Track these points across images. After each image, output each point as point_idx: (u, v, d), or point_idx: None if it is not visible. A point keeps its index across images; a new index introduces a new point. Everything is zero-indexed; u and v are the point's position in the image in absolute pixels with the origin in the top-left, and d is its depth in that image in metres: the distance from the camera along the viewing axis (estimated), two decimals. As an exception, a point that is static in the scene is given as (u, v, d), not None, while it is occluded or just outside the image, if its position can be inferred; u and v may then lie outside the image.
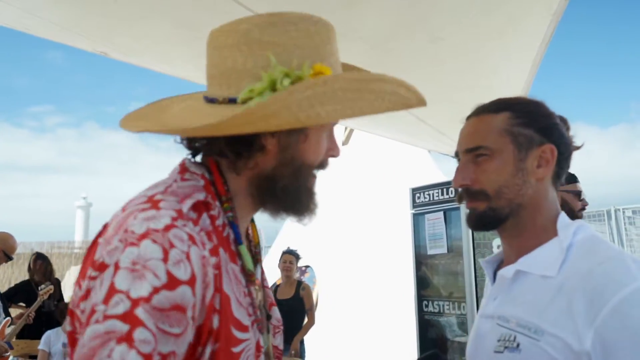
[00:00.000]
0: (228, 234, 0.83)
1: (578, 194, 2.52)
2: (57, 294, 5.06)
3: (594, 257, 0.92)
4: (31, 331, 4.56)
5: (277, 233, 9.57)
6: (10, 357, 3.96)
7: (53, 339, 4.08)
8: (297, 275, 5.19)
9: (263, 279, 0.98)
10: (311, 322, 4.93)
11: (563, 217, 1.02)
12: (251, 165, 0.84)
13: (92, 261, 0.72)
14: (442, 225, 3.56)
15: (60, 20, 1.95)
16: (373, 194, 7.61)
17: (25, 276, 5.72)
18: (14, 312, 5.00)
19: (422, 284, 3.75)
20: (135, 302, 0.64)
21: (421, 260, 3.75)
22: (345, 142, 8.96)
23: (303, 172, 0.86)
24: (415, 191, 3.84)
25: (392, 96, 0.82)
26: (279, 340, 1.00)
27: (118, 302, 0.65)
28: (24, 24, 1.93)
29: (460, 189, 1.05)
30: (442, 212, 3.57)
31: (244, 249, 0.85)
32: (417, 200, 3.82)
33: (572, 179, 2.58)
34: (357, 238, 7.43)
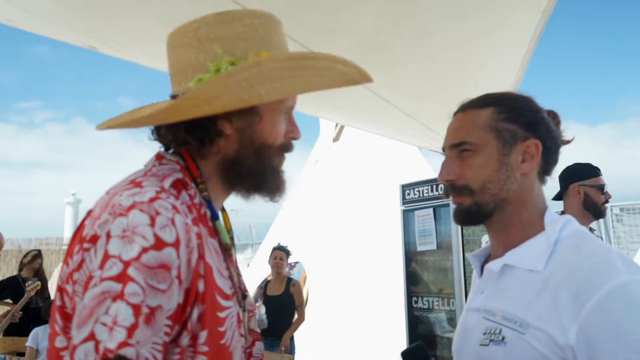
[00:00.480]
0: (205, 212, 0.90)
1: (601, 187, 2.52)
2: (45, 290, 5.03)
3: (580, 253, 0.92)
4: (18, 328, 4.52)
5: (268, 229, 9.58)
6: (-3, 355, 3.93)
7: (41, 336, 4.05)
8: (287, 270, 5.18)
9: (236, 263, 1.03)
10: (301, 319, 4.92)
11: (550, 212, 1.02)
12: (215, 150, 0.91)
13: (80, 239, 0.78)
14: (431, 222, 3.58)
15: (46, 13, 1.92)
16: (363, 190, 7.62)
17: (12, 273, 5.67)
18: (1, 309, 4.96)
19: (412, 280, 3.76)
20: (127, 264, 0.71)
21: (411, 256, 3.76)
22: (336, 139, 8.97)
23: (265, 152, 0.93)
24: (405, 188, 3.85)
25: (329, 72, 0.89)
26: (253, 324, 1.04)
27: (112, 266, 0.72)
28: (8, 16, 1.90)
29: (446, 184, 1.05)
30: (431, 209, 3.58)
31: (220, 224, 0.91)
32: (407, 197, 3.83)
33: (595, 172, 2.56)
34: (347, 234, 7.45)
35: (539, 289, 0.91)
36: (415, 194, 3.73)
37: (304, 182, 9.30)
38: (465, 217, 1.04)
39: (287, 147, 0.97)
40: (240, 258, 10.73)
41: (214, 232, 0.90)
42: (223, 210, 1.03)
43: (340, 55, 0.95)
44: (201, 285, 0.79)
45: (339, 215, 7.71)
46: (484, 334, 0.96)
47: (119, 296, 0.70)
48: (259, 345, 1.04)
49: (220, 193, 0.95)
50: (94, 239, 0.75)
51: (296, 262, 7.81)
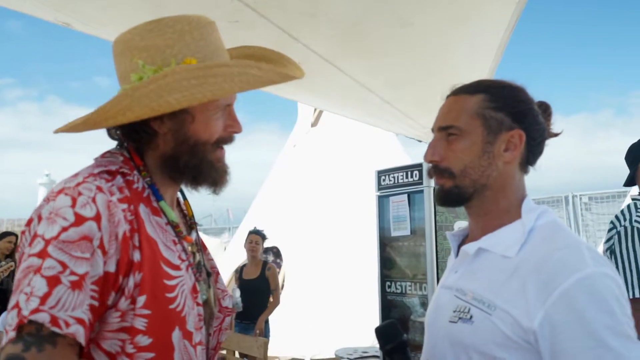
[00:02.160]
0: (149, 194, 0.99)
1: None
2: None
3: (552, 243, 0.96)
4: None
5: (245, 213, 9.56)
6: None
7: (12, 318, 3.99)
8: (263, 255, 5.20)
9: (201, 243, 1.12)
10: (276, 302, 4.97)
11: (528, 201, 1.05)
12: (154, 147, 1.00)
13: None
14: (405, 208, 3.62)
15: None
16: (340, 175, 7.66)
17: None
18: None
19: (386, 265, 3.82)
20: (47, 242, 0.82)
21: (385, 241, 3.81)
22: (314, 124, 8.96)
23: (200, 149, 1.00)
24: (380, 174, 3.88)
25: (241, 77, 0.96)
26: (227, 302, 1.12)
27: (36, 244, 0.83)
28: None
29: (430, 165, 1.08)
30: (406, 195, 3.62)
31: (164, 204, 1.00)
32: (382, 183, 3.87)
33: None
34: (324, 219, 7.49)
35: (509, 274, 0.96)
36: (390, 180, 3.76)
37: (282, 166, 9.29)
38: (445, 199, 1.07)
39: (226, 141, 1.04)
40: (217, 242, 10.70)
41: (159, 211, 0.98)
42: (185, 198, 1.14)
43: (319, 43, 0.98)
44: (137, 255, 0.88)
45: (316, 200, 7.74)
46: (454, 311, 1.01)
47: (38, 270, 0.81)
48: (228, 320, 1.12)
49: (166, 184, 1.03)
50: (30, 222, 0.88)
51: (275, 247, 7.83)
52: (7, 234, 5.39)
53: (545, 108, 1.09)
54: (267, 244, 5.53)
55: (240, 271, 5.14)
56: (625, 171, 2.49)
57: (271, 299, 4.95)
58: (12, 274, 4.73)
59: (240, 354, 3.90)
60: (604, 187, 9.24)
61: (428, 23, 2.34)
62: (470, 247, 1.05)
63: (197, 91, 0.92)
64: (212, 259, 1.17)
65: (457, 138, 1.04)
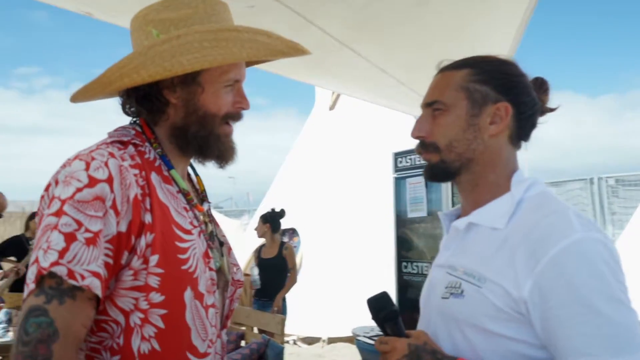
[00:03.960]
0: (160, 164, 1.03)
1: None
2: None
3: (540, 211, 0.95)
4: (22, 284, 4.63)
5: (264, 196, 9.66)
6: (3, 309, 4.04)
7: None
8: (280, 236, 5.28)
9: (211, 215, 1.16)
10: (293, 281, 5.06)
11: (519, 174, 1.04)
12: (165, 117, 1.04)
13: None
14: (422, 190, 3.65)
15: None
16: (358, 157, 7.67)
17: (16, 233, 5.76)
18: (7, 266, 5.07)
19: (403, 247, 3.86)
20: (63, 202, 0.88)
21: (402, 223, 3.85)
22: (331, 107, 8.96)
23: (208, 120, 1.04)
24: (397, 155, 3.91)
25: (251, 43, 1.00)
26: (239, 275, 1.17)
27: (54, 205, 0.89)
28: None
29: (418, 141, 1.08)
30: (422, 177, 3.64)
31: (174, 172, 1.04)
32: (399, 165, 3.89)
33: None
34: (341, 201, 7.53)
35: (499, 246, 0.95)
36: (407, 162, 3.78)
37: (300, 149, 9.33)
38: (433, 174, 1.08)
39: (234, 116, 1.07)
40: (237, 223, 10.86)
41: (170, 180, 1.03)
42: (196, 174, 1.18)
43: (334, 22, 1.01)
44: (148, 217, 0.93)
45: (334, 182, 7.78)
46: (446, 287, 1.01)
47: (55, 227, 0.86)
48: (239, 292, 1.17)
49: (176, 157, 1.07)
50: (48, 187, 0.94)
51: (293, 230, 7.91)
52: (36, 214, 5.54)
53: (541, 83, 1.07)
54: (285, 224, 5.59)
55: (259, 250, 5.24)
56: None
57: (289, 278, 5.04)
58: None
59: (258, 330, 4.01)
60: (633, 169, 8.39)
61: (444, 2, 2.33)
62: (460, 223, 1.04)
63: (208, 53, 0.96)
64: (224, 235, 1.21)
65: (442, 113, 1.03)
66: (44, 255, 0.84)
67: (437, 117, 1.04)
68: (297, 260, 5.63)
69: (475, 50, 2.78)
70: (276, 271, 5.00)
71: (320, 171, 8.16)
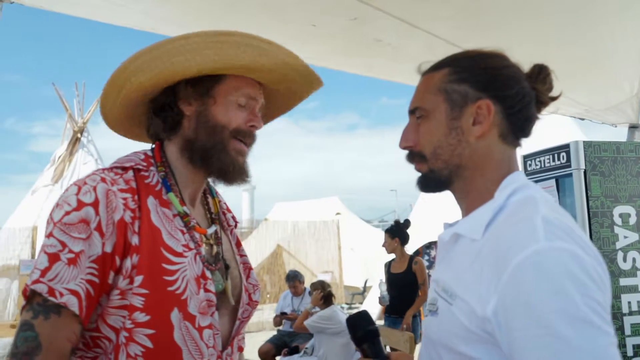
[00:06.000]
0: (161, 188, 1.07)
1: None
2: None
3: (511, 219, 0.84)
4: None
5: (411, 208, 9.64)
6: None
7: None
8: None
9: (219, 237, 1.17)
10: (424, 297, 4.83)
11: (512, 176, 0.92)
12: (180, 132, 1.09)
13: None
14: (554, 194, 3.35)
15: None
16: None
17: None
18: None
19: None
20: (54, 224, 0.95)
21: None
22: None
23: (217, 131, 1.07)
24: (526, 158, 3.59)
25: (246, 47, 1.04)
26: (257, 296, 1.18)
27: (48, 227, 0.96)
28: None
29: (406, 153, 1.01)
30: (554, 180, 3.34)
31: (171, 195, 1.07)
32: (529, 168, 3.58)
33: None
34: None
35: (472, 259, 0.86)
36: (537, 165, 3.50)
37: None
38: (424, 184, 1.00)
39: (245, 133, 1.09)
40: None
41: (168, 203, 1.06)
42: (212, 196, 1.23)
43: (439, 24, 0.98)
44: (135, 239, 0.97)
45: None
46: (429, 304, 0.95)
47: (43, 248, 0.94)
48: (251, 311, 1.18)
49: (189, 173, 1.11)
50: (52, 210, 1.00)
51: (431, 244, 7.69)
52: None
53: (539, 71, 0.96)
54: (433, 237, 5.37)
55: (388, 265, 5.20)
56: None
57: (420, 294, 4.91)
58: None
59: (390, 348, 3.96)
60: None
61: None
62: (445, 234, 0.97)
63: (201, 54, 1.02)
64: (245, 255, 1.22)
65: (424, 119, 0.96)
66: (31, 274, 0.93)
67: (420, 125, 0.97)
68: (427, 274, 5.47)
69: (597, 49, 2.52)
70: (406, 286, 4.87)
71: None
